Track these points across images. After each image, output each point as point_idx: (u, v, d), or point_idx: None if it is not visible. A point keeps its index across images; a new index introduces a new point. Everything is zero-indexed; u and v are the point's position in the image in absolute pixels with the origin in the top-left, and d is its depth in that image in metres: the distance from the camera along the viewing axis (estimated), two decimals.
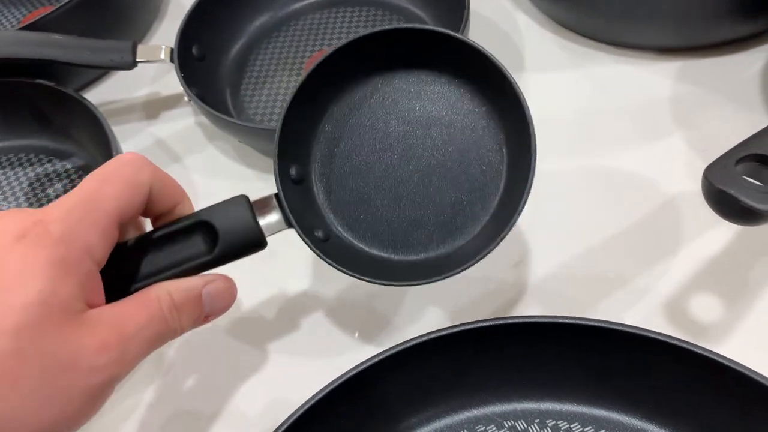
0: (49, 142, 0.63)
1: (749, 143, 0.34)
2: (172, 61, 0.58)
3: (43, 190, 0.60)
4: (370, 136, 0.42)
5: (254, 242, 0.36)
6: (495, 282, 0.47)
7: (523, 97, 0.38)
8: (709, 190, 0.33)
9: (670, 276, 0.45)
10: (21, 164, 0.62)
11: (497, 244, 0.37)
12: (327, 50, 0.40)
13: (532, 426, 0.40)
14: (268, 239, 0.37)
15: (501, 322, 0.38)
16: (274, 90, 0.62)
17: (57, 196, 0.59)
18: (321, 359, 0.46)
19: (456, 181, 0.41)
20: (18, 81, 0.59)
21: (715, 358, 0.34)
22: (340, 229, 0.41)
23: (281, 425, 0.36)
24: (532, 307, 0.45)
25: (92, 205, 0.31)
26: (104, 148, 0.54)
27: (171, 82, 0.64)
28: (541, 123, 0.54)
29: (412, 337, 0.38)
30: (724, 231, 0.46)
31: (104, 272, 0.32)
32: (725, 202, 0.32)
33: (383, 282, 0.38)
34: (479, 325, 0.38)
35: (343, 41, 0.40)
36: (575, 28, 0.60)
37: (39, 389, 0.27)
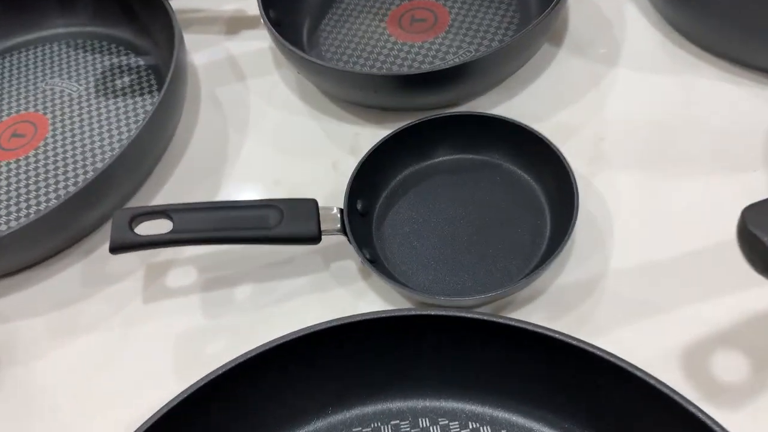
0: (131, 37, 0.64)
1: None
2: None
3: (112, 80, 0.61)
4: (429, 200, 0.48)
5: (312, 235, 0.43)
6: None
7: (576, 185, 0.43)
8: (742, 230, 0.28)
9: (701, 321, 0.40)
10: (101, 51, 0.64)
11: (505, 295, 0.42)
12: (413, 121, 0.49)
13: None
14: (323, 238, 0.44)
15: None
16: (352, 32, 0.59)
17: (122, 89, 0.60)
18: None
19: (499, 245, 0.45)
20: None
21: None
22: (385, 262, 0.45)
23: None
24: (535, 314, 0.42)
25: None
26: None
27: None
28: (616, 123, 0.50)
29: None
30: None
31: None
32: (754, 247, 0.27)
33: (422, 294, 0.43)
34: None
35: (420, 120, 0.49)
36: (685, 31, 0.54)
37: None
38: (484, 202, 0.47)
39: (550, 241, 0.44)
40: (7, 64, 0.65)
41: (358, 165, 0.47)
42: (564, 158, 0.44)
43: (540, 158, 0.46)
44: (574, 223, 0.41)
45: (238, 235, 0.43)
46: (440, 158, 0.50)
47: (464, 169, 0.49)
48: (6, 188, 0.55)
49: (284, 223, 0.43)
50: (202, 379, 0.36)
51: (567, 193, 0.43)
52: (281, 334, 0.36)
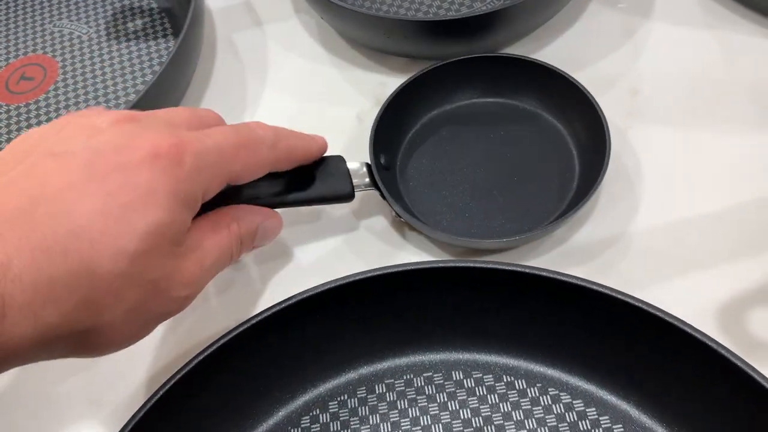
0: None
1: None
2: None
3: (123, 23, 0.59)
4: (454, 145, 0.47)
5: (346, 193, 0.41)
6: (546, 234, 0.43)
7: (606, 125, 0.42)
8: None
9: (743, 279, 0.39)
10: None
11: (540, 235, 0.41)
12: (426, 67, 0.47)
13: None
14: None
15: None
16: None
17: (134, 32, 0.58)
18: None
19: (529, 188, 0.44)
20: None
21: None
22: (415, 212, 0.44)
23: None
24: (567, 267, 0.41)
25: (225, 159, 0.32)
26: None
27: None
28: (651, 77, 0.49)
29: None
30: None
31: None
32: None
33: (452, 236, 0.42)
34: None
35: (441, 63, 0.47)
36: None
37: (132, 311, 0.29)
38: (509, 148, 0.46)
39: (578, 188, 0.43)
40: (12, 4, 0.62)
41: (377, 117, 0.45)
42: (596, 102, 0.43)
43: (570, 103, 0.45)
44: (605, 171, 0.40)
45: (267, 202, 0.39)
46: (460, 102, 0.49)
47: (487, 115, 0.49)
48: (16, 133, 0.53)
49: (316, 184, 0.40)
50: (234, 328, 0.35)
51: (599, 140, 0.42)
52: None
